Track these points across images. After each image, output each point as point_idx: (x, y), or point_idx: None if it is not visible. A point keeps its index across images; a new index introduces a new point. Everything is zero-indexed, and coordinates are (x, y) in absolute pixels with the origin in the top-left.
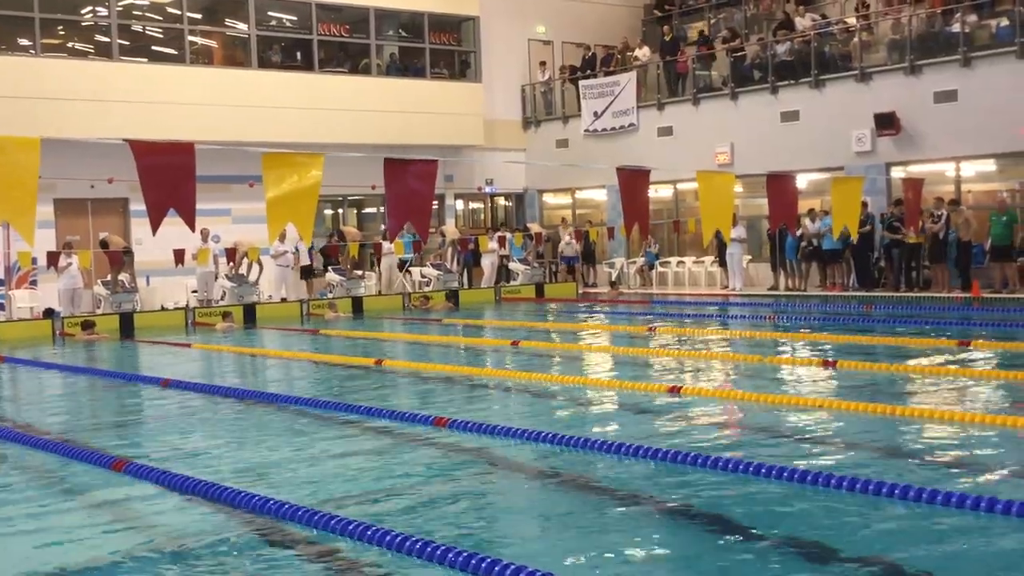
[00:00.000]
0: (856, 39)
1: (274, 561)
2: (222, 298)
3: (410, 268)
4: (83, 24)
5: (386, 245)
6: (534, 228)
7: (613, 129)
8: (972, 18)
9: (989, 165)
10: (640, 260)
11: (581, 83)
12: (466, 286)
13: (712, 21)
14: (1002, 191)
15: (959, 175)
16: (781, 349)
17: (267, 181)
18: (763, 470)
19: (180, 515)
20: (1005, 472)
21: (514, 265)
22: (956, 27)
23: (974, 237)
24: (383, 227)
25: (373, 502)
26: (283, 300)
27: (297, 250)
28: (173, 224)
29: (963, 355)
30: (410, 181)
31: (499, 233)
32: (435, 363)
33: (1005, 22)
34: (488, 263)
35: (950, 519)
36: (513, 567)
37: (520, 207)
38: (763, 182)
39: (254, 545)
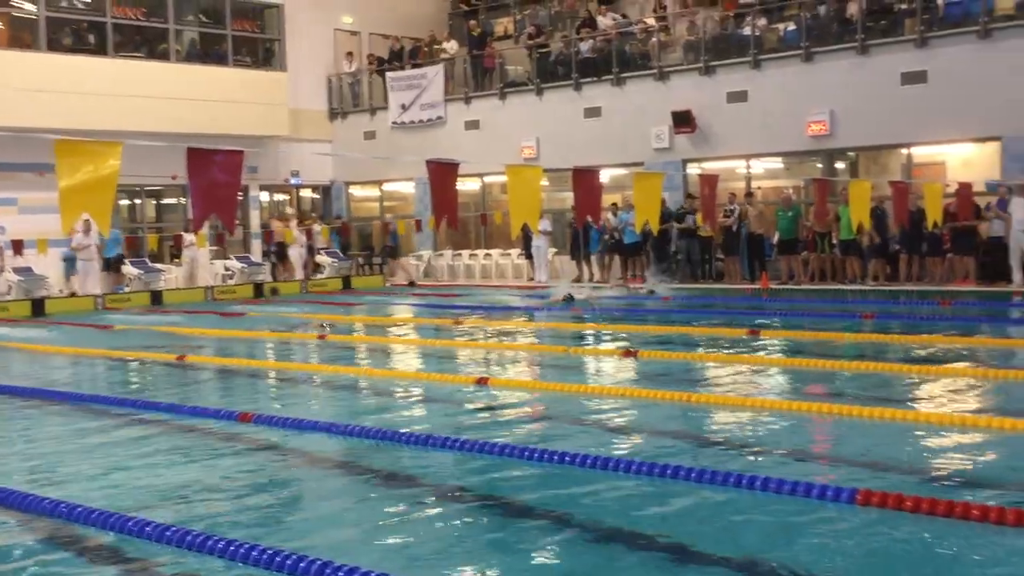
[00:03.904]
0: (654, 39)
1: (67, 567)
2: (8, 292)
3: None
4: None
5: (188, 237)
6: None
7: (421, 122)
8: (762, 22)
9: (776, 163)
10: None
11: (388, 75)
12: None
13: (518, 17)
14: (788, 188)
15: (749, 172)
16: (585, 340)
17: (60, 170)
18: (567, 458)
19: None
20: (791, 453)
21: (321, 258)
22: (747, 30)
23: (766, 230)
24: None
25: (174, 502)
26: (72, 295)
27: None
28: None
29: (753, 343)
30: (215, 172)
31: (305, 226)
32: (240, 357)
33: (792, 26)
34: (295, 255)
35: (740, 499)
36: (319, 563)
37: (327, 199)
38: (566, 176)
39: (45, 550)
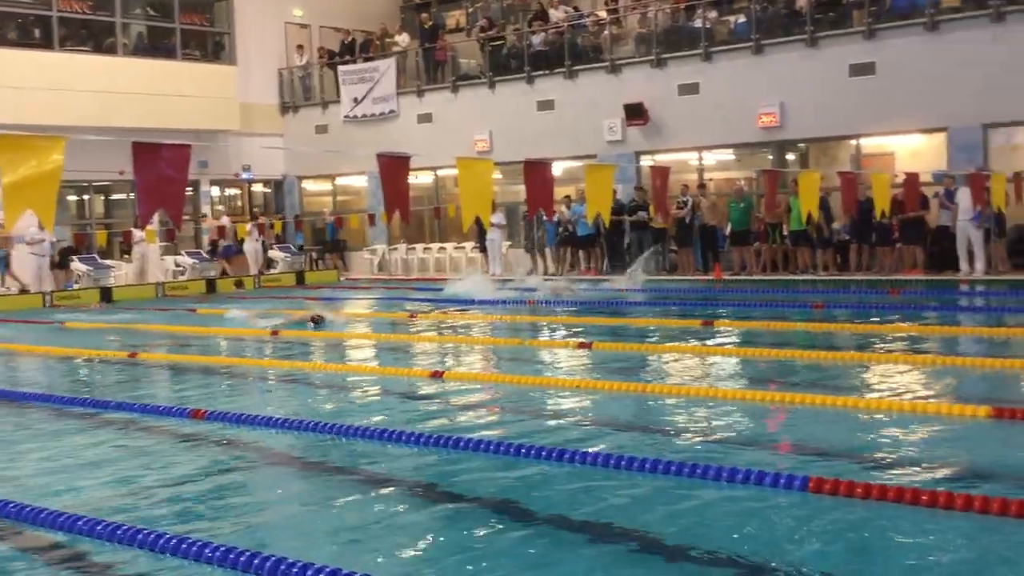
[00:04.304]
0: (606, 32)
1: (15, 567)
2: None
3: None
4: None
5: (137, 233)
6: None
7: (373, 115)
8: (712, 14)
9: (728, 155)
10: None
11: (340, 68)
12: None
13: (470, 10)
14: (740, 179)
15: (702, 164)
16: (540, 332)
17: (3, 166)
18: (523, 451)
19: None
20: (745, 442)
21: (273, 253)
22: (698, 23)
23: (719, 222)
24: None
25: (124, 500)
26: (23, 291)
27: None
28: None
29: (707, 334)
30: (161, 166)
31: (259, 221)
32: (193, 354)
33: (742, 19)
34: (251, 250)
35: (698, 490)
36: (273, 559)
37: (279, 194)
38: (520, 169)
39: None
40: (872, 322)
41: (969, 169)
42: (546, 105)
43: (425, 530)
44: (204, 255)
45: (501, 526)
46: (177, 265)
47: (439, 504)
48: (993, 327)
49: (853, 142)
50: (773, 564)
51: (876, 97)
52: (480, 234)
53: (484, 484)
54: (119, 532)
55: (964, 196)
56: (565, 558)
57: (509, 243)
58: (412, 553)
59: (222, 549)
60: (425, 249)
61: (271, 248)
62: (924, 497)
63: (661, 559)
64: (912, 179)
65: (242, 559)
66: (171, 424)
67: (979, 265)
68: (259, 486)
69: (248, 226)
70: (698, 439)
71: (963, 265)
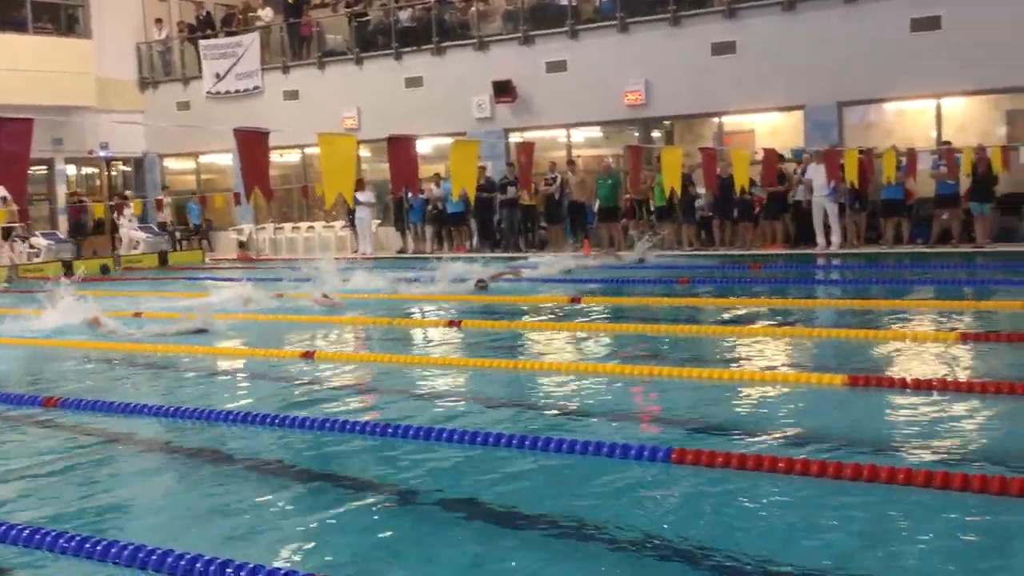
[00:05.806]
0: (474, 8)
1: None
2: None
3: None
4: None
5: None
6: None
7: (237, 92)
8: None
9: (596, 132)
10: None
11: (201, 43)
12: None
13: None
14: (607, 156)
15: (570, 141)
16: (410, 311)
17: None
18: (390, 430)
19: None
20: (613, 416)
21: (135, 233)
22: (564, 0)
23: (587, 198)
24: None
25: None
26: None
27: None
28: None
29: (575, 310)
30: (1, 143)
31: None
32: (49, 339)
33: None
34: (125, 231)
35: (565, 463)
36: (132, 547)
37: (139, 172)
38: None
39: None
40: (735, 296)
41: (824, 146)
42: (414, 82)
43: (296, 513)
44: (60, 236)
45: (374, 506)
46: (32, 247)
47: (311, 487)
48: (848, 299)
49: (716, 120)
50: (638, 535)
51: (737, 75)
52: (350, 212)
53: (355, 464)
54: None
55: (818, 172)
56: (438, 534)
57: (379, 221)
58: (283, 537)
59: (78, 539)
60: (294, 228)
61: (134, 229)
62: (782, 464)
63: (532, 532)
64: (770, 155)
65: (99, 548)
66: (22, 412)
67: (835, 239)
68: (119, 474)
69: (115, 209)
70: (565, 413)
71: (819, 239)
